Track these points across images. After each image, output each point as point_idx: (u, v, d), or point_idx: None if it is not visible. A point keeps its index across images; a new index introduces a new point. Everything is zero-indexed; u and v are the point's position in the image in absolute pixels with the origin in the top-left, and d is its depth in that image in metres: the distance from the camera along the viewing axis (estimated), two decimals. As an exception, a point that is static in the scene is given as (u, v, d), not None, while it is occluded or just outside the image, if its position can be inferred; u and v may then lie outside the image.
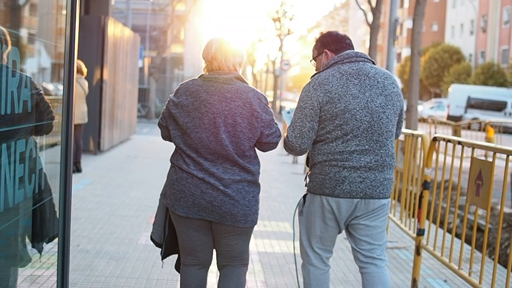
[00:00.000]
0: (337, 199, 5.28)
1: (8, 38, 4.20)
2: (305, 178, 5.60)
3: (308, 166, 5.59)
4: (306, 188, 5.56)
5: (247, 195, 5.16)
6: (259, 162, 5.31)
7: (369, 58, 5.49)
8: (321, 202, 5.36)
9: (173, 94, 5.27)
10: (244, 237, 5.34)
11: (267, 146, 5.30)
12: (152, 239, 5.54)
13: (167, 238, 5.46)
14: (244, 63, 5.37)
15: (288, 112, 5.75)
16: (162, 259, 5.59)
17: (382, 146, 5.31)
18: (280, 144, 5.82)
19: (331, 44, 5.54)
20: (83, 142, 17.27)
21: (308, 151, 5.51)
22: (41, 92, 4.82)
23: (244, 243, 5.38)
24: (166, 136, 5.39)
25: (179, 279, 7.11)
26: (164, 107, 5.28)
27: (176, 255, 5.64)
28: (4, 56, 4.13)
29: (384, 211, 5.46)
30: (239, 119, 5.07)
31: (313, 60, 5.72)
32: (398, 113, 5.45)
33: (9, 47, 4.21)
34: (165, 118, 5.29)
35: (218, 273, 5.53)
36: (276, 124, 5.31)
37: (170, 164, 5.32)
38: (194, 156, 5.09)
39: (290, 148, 5.37)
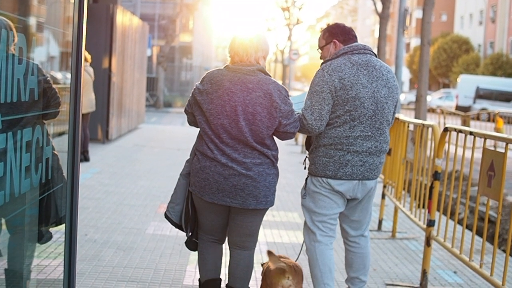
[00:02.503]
0: (339, 181, 5.76)
1: (14, 29, 4.16)
2: (304, 161, 6.08)
3: (307, 149, 6.04)
4: (307, 171, 6.02)
5: (267, 177, 5.56)
6: (277, 148, 5.66)
7: (373, 51, 5.94)
8: (322, 183, 5.81)
9: (199, 82, 5.62)
10: (259, 217, 5.76)
11: (285, 135, 5.63)
12: (167, 217, 5.90)
13: (191, 218, 5.83)
14: (267, 54, 5.72)
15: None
16: (190, 236, 5.93)
17: (382, 133, 5.81)
18: None
19: (340, 35, 5.93)
20: (91, 131, 17.27)
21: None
22: (48, 78, 4.80)
23: (258, 223, 5.79)
24: (192, 122, 5.77)
25: (187, 268, 7.08)
26: (190, 95, 5.65)
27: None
28: (11, 47, 4.10)
29: (375, 191, 6.03)
30: (259, 109, 5.41)
31: (319, 49, 6.07)
32: (395, 104, 5.92)
33: (16, 38, 4.17)
34: (190, 104, 5.66)
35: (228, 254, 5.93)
36: (295, 115, 5.61)
37: (188, 151, 5.51)
38: (217, 142, 5.46)
39: (309, 131, 5.72)
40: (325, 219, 5.93)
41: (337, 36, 5.92)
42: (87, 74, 14.42)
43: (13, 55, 4.09)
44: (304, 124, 5.68)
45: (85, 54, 14.28)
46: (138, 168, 14.75)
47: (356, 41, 5.95)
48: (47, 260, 6.07)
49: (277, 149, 5.65)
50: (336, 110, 5.66)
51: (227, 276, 6.07)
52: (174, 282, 6.87)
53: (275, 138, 5.67)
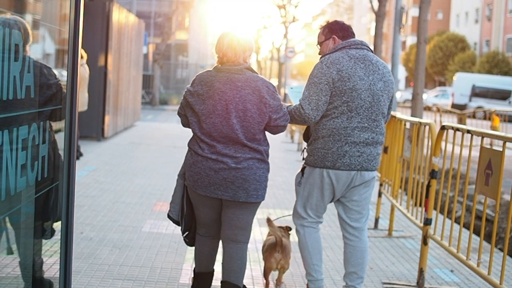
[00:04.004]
0: (337, 171, 5.97)
1: (29, 29, 4.18)
2: (302, 152, 6.32)
3: (305, 141, 6.30)
4: (304, 161, 6.23)
5: (257, 170, 5.71)
6: (268, 144, 5.84)
7: (370, 47, 6.18)
8: (321, 174, 6.04)
9: (189, 84, 5.83)
10: (250, 211, 5.89)
11: (276, 129, 5.85)
12: (169, 216, 6.12)
13: (186, 215, 6.04)
14: (252, 52, 5.93)
15: (291, 88, 6.52)
16: (183, 234, 6.15)
17: (378, 125, 6.03)
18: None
19: (339, 31, 6.20)
20: (87, 128, 17.31)
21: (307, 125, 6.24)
22: (59, 82, 4.87)
23: (249, 216, 5.92)
24: (186, 124, 5.94)
25: (183, 267, 7.07)
26: (182, 98, 5.85)
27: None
28: (27, 48, 4.12)
29: (373, 182, 6.21)
30: (249, 105, 5.61)
31: (318, 45, 6.33)
32: (390, 99, 6.15)
33: (31, 39, 4.20)
34: (183, 107, 5.86)
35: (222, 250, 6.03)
36: (284, 109, 5.81)
37: (183, 148, 5.71)
38: (208, 141, 5.65)
39: (305, 120, 5.93)
40: (316, 207, 6.23)
41: (336, 32, 6.17)
42: (84, 70, 14.35)
43: (9, 51, 4.06)
44: (301, 113, 5.89)
45: (81, 51, 14.23)
46: (134, 165, 14.72)
47: (354, 37, 6.20)
48: (43, 258, 6.05)
49: (268, 144, 5.83)
50: (334, 101, 5.90)
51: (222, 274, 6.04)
52: (170, 281, 6.84)
53: (267, 133, 5.86)
